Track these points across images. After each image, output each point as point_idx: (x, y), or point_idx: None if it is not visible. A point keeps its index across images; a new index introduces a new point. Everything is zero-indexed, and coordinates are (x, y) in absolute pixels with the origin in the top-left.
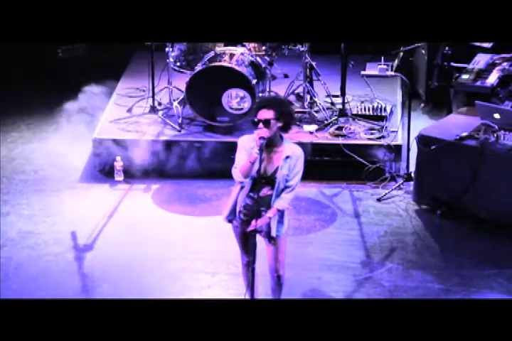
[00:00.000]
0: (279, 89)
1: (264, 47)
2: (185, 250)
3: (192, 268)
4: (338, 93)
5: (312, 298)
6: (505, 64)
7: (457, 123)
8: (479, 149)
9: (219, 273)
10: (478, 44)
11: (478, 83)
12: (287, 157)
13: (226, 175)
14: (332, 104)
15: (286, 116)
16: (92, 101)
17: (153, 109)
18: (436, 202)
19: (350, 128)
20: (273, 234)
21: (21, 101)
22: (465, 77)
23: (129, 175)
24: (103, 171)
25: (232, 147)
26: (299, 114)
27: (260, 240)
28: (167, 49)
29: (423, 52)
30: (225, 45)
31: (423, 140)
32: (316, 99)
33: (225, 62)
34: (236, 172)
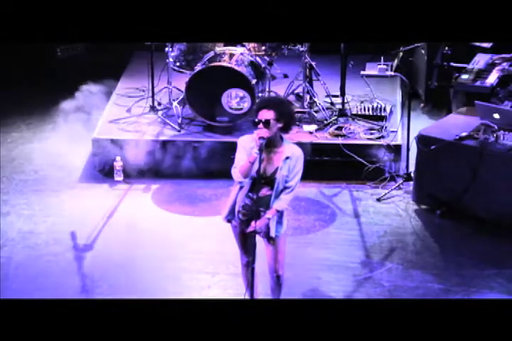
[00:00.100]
0: (279, 89)
1: (263, 47)
2: (185, 250)
3: (192, 268)
4: (338, 93)
5: (312, 298)
6: (504, 64)
7: (457, 123)
8: (479, 149)
9: (219, 273)
10: (477, 44)
11: (478, 83)
12: (287, 157)
13: (225, 175)
14: (332, 104)
15: (287, 117)
16: (92, 101)
17: (152, 109)
18: (435, 202)
19: (349, 128)
20: (272, 234)
21: (21, 101)
22: (465, 77)
23: (129, 175)
24: (103, 171)
25: (232, 147)
26: (299, 114)
27: (260, 240)
28: (167, 49)
29: (423, 52)
30: (224, 45)
31: (423, 140)
32: (315, 99)
33: (224, 62)
34: (236, 172)
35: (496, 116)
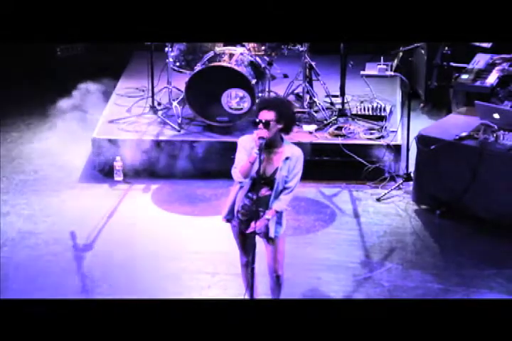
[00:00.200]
0: (279, 89)
1: (263, 47)
2: (185, 250)
3: (192, 268)
4: (338, 93)
5: (312, 298)
6: (504, 64)
7: (457, 123)
8: (479, 149)
9: (219, 273)
10: (477, 44)
11: (478, 83)
12: (287, 158)
13: (225, 175)
14: (331, 104)
15: (287, 119)
16: (92, 101)
17: (152, 109)
18: (435, 202)
19: (349, 128)
20: (271, 235)
21: (21, 101)
22: (464, 77)
23: (128, 175)
24: (103, 171)
25: (232, 147)
26: (299, 114)
27: (259, 240)
28: (166, 49)
29: (422, 52)
30: (224, 45)
31: (422, 140)
32: (315, 99)
33: (224, 62)
34: (236, 172)
35: (496, 116)
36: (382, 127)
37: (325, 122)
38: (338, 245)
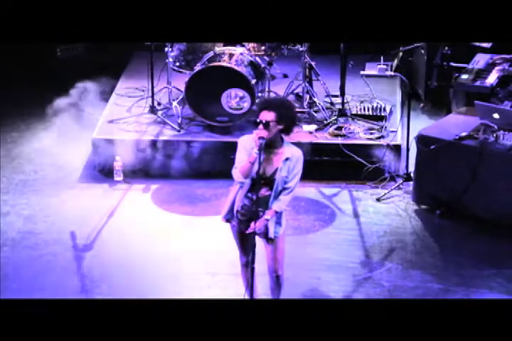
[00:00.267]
0: (279, 89)
1: (263, 47)
2: (185, 250)
3: (192, 268)
4: (338, 93)
5: (311, 298)
6: (504, 64)
7: (457, 123)
8: (479, 149)
9: (219, 273)
10: (477, 44)
11: (478, 83)
12: (287, 159)
13: (225, 175)
14: (331, 103)
15: (287, 120)
16: (91, 101)
17: (152, 109)
18: (435, 202)
19: (349, 128)
20: (271, 235)
21: (21, 101)
22: (464, 77)
23: (128, 174)
24: (102, 171)
25: (232, 147)
26: (299, 114)
27: (259, 240)
28: (166, 49)
29: (422, 52)
30: (224, 45)
31: (422, 140)
32: (315, 99)
33: (224, 62)
34: (236, 172)
35: (496, 116)
36: (382, 127)
37: (325, 122)
38: (338, 245)
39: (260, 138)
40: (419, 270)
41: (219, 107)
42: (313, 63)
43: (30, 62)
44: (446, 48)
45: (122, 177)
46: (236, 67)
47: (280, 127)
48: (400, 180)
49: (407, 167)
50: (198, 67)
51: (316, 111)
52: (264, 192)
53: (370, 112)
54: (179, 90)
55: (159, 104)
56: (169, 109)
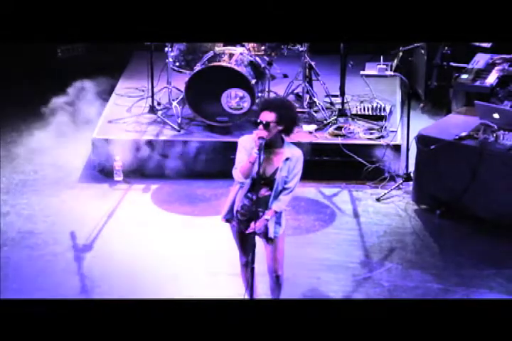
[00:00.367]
0: (279, 89)
1: (263, 47)
2: (185, 250)
3: (192, 268)
4: (338, 93)
5: (311, 298)
6: (504, 64)
7: (456, 123)
8: (478, 149)
9: (219, 273)
10: (477, 44)
11: (478, 83)
12: (287, 159)
13: (225, 175)
14: (331, 103)
15: (288, 121)
16: (91, 101)
17: (152, 109)
18: (435, 201)
19: (349, 128)
20: (270, 235)
21: (21, 101)
22: (464, 76)
23: (128, 175)
24: (102, 171)
25: (232, 147)
26: (299, 114)
27: (259, 240)
28: (166, 49)
29: (422, 52)
30: (224, 45)
31: (422, 140)
32: (315, 99)
33: (224, 62)
34: (236, 172)
35: (496, 116)
36: (382, 127)
37: (325, 122)
38: (338, 245)
39: (260, 138)
40: (419, 270)
41: (219, 107)
42: (313, 63)
43: (31, 62)
44: (446, 48)
45: (122, 177)
46: (236, 67)
47: (280, 128)
48: (399, 180)
49: (407, 167)
50: (197, 67)
51: (316, 111)
52: (264, 192)
53: (370, 112)
54: (179, 90)
55: (159, 104)
56: (169, 109)
